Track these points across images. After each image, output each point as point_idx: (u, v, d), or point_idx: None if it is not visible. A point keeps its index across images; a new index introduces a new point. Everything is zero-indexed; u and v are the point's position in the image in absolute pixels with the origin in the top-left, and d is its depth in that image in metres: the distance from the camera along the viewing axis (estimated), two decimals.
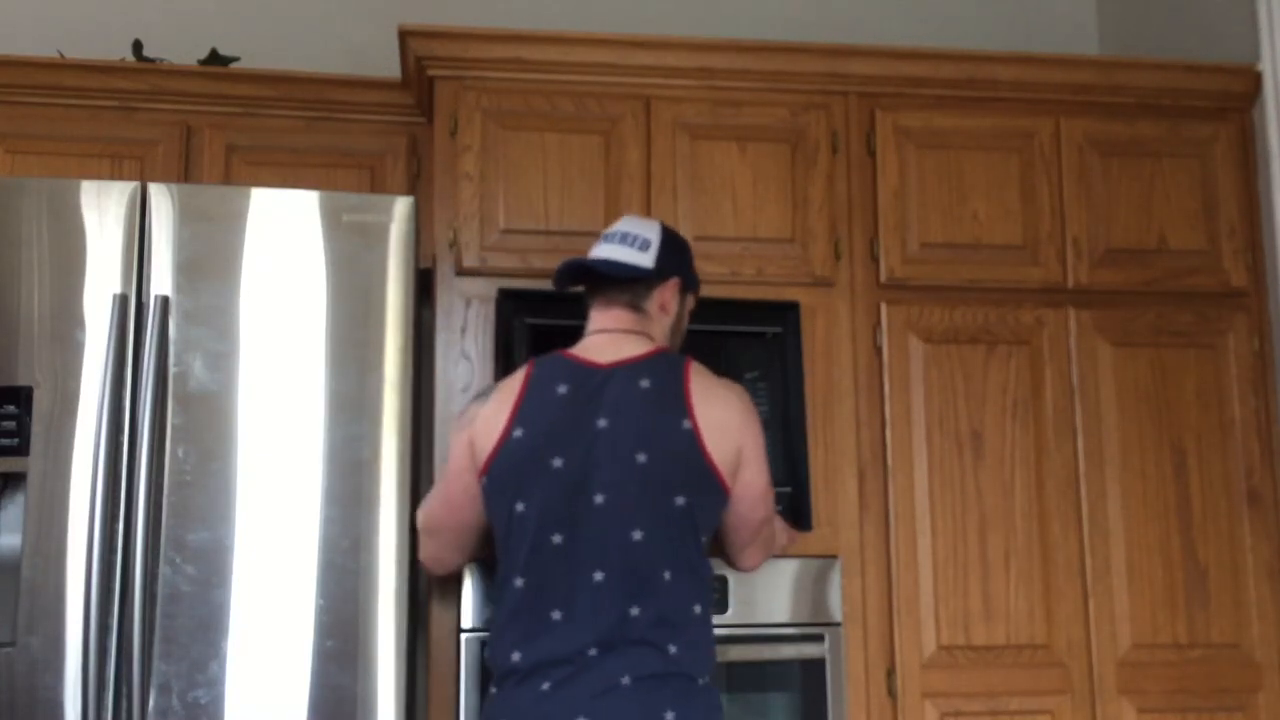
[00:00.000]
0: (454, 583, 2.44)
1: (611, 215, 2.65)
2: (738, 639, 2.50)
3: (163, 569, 2.21)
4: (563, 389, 2.04)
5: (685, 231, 2.67)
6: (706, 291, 2.65)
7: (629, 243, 2.15)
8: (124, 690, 2.16)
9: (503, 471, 2.03)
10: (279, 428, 2.28)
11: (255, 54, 3.13)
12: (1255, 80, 2.89)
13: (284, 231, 2.35)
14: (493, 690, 2.01)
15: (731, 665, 2.49)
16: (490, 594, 2.35)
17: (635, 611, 1.95)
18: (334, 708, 2.22)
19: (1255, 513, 2.76)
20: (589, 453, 1.99)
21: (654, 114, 2.72)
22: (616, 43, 2.72)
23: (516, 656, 1.95)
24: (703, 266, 2.66)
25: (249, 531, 2.24)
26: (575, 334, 2.21)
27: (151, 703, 2.17)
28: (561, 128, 2.69)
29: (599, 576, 1.95)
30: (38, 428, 2.22)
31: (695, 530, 2.03)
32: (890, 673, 2.59)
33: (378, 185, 2.91)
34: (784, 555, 2.57)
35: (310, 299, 2.34)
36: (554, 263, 2.60)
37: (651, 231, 2.18)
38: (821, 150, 2.75)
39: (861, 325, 2.71)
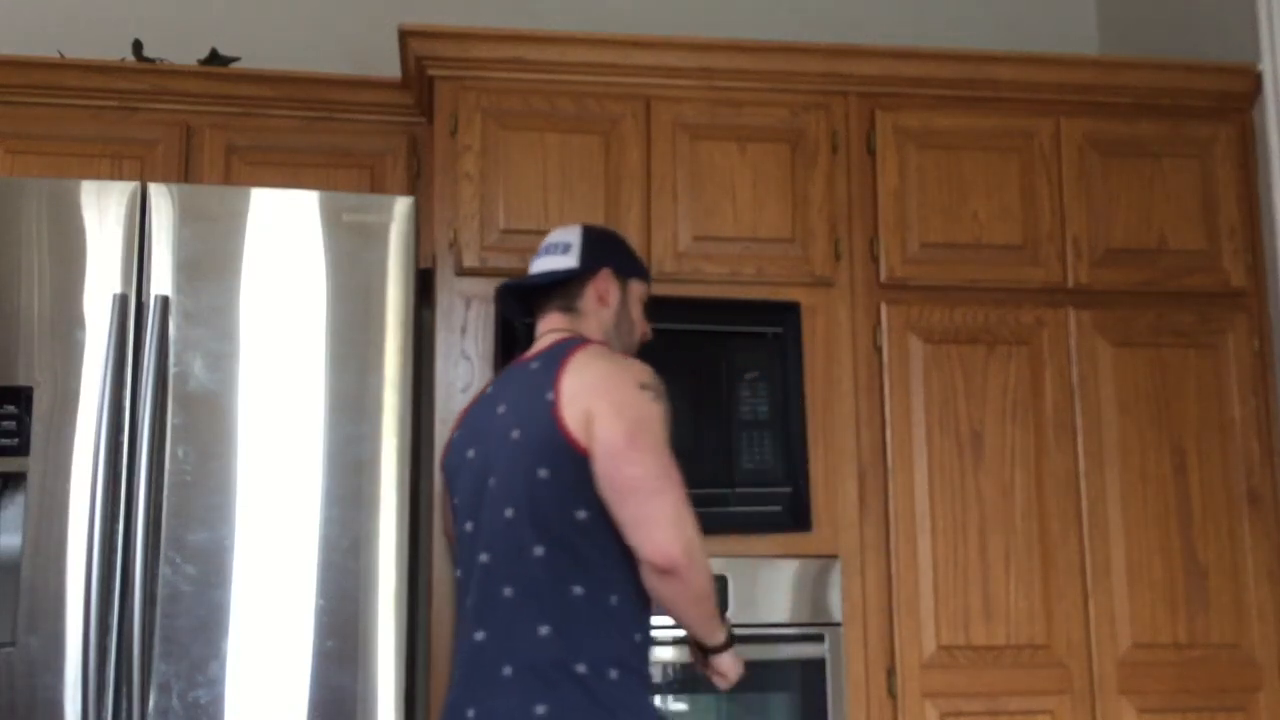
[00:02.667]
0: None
1: (611, 215, 2.66)
2: (737, 639, 2.49)
3: (163, 569, 2.21)
4: (491, 389, 2.16)
5: (685, 231, 2.68)
6: (707, 291, 2.66)
7: (553, 251, 2.20)
8: (124, 690, 2.16)
9: (448, 473, 2.18)
10: (279, 428, 2.28)
11: (255, 54, 3.13)
12: (1255, 80, 2.89)
13: (284, 231, 2.35)
14: None
15: None
16: None
17: (508, 592, 1.93)
18: (334, 708, 2.22)
19: (1255, 513, 2.76)
20: (490, 438, 2.05)
21: (654, 114, 2.72)
22: (616, 43, 2.72)
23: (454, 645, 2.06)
24: (702, 266, 2.67)
25: (249, 531, 2.24)
26: None
27: (151, 703, 2.17)
28: (561, 128, 2.69)
29: (484, 558, 1.99)
30: (38, 428, 2.22)
31: (563, 502, 1.93)
32: (890, 673, 2.59)
33: (378, 185, 2.91)
34: (784, 555, 2.57)
35: (310, 299, 2.34)
36: None
37: (572, 235, 2.22)
38: (821, 150, 2.75)
39: (861, 325, 2.71)
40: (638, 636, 1.96)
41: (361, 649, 2.24)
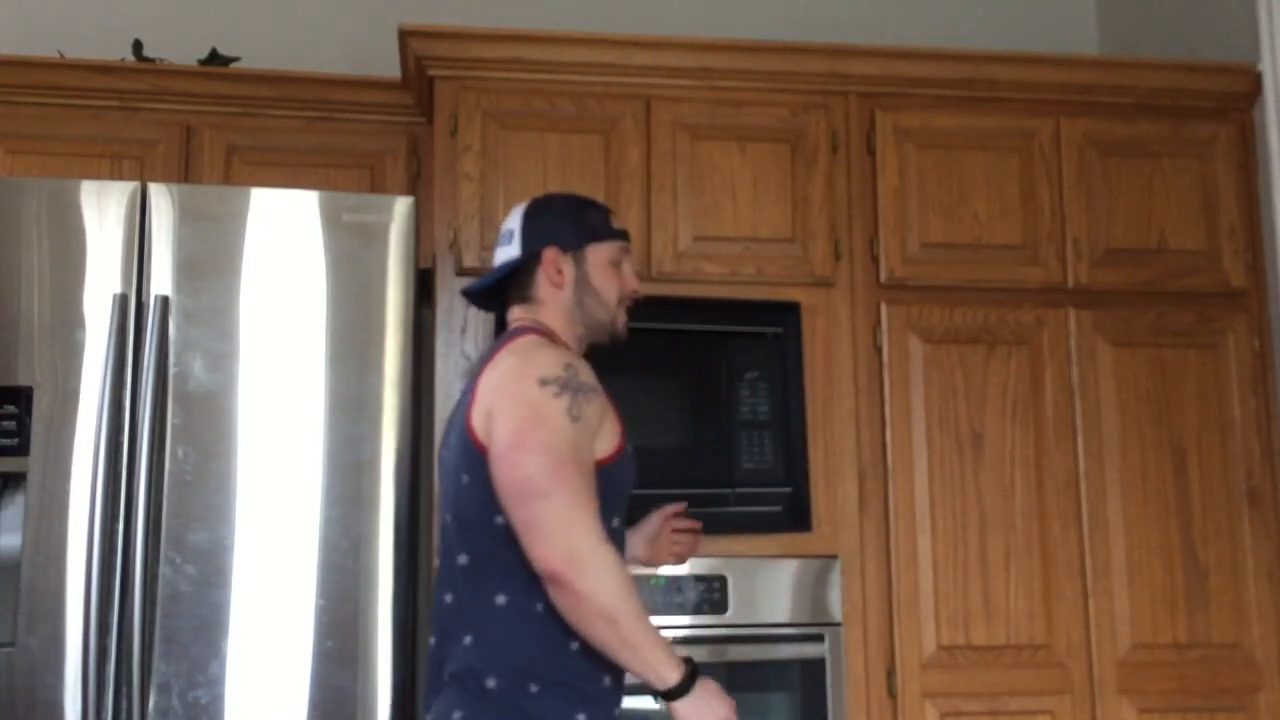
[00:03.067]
0: None
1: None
2: (737, 639, 2.50)
3: (163, 569, 2.21)
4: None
5: (685, 232, 2.68)
6: (707, 291, 2.66)
7: (503, 242, 2.06)
8: (124, 690, 2.16)
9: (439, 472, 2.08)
10: (279, 428, 2.28)
11: (255, 54, 3.13)
12: (1255, 80, 2.89)
13: (284, 231, 2.35)
14: None
15: (731, 665, 2.49)
16: None
17: (448, 599, 1.89)
18: (334, 708, 2.22)
19: (1255, 513, 2.75)
20: (448, 438, 2.00)
21: (654, 114, 2.72)
22: (616, 43, 2.72)
23: None
24: (702, 266, 2.67)
25: (249, 531, 2.24)
26: None
27: (151, 703, 2.17)
28: (561, 128, 2.69)
29: (436, 563, 1.97)
30: (38, 428, 2.22)
31: (483, 508, 1.84)
32: (890, 673, 2.59)
33: (378, 185, 2.91)
34: (784, 555, 2.57)
35: (310, 299, 2.34)
36: None
37: (514, 220, 2.06)
38: (821, 150, 2.75)
39: (861, 325, 2.71)
40: (575, 645, 1.80)
41: (361, 649, 2.25)
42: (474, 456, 1.85)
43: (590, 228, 2.06)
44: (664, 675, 1.76)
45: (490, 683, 1.79)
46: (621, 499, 1.95)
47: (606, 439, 1.89)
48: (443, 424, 2.49)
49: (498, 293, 2.08)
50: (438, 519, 1.98)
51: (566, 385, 1.83)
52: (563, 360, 1.87)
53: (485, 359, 1.95)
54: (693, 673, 1.77)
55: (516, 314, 2.04)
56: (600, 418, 1.88)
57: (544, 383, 1.83)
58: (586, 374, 1.89)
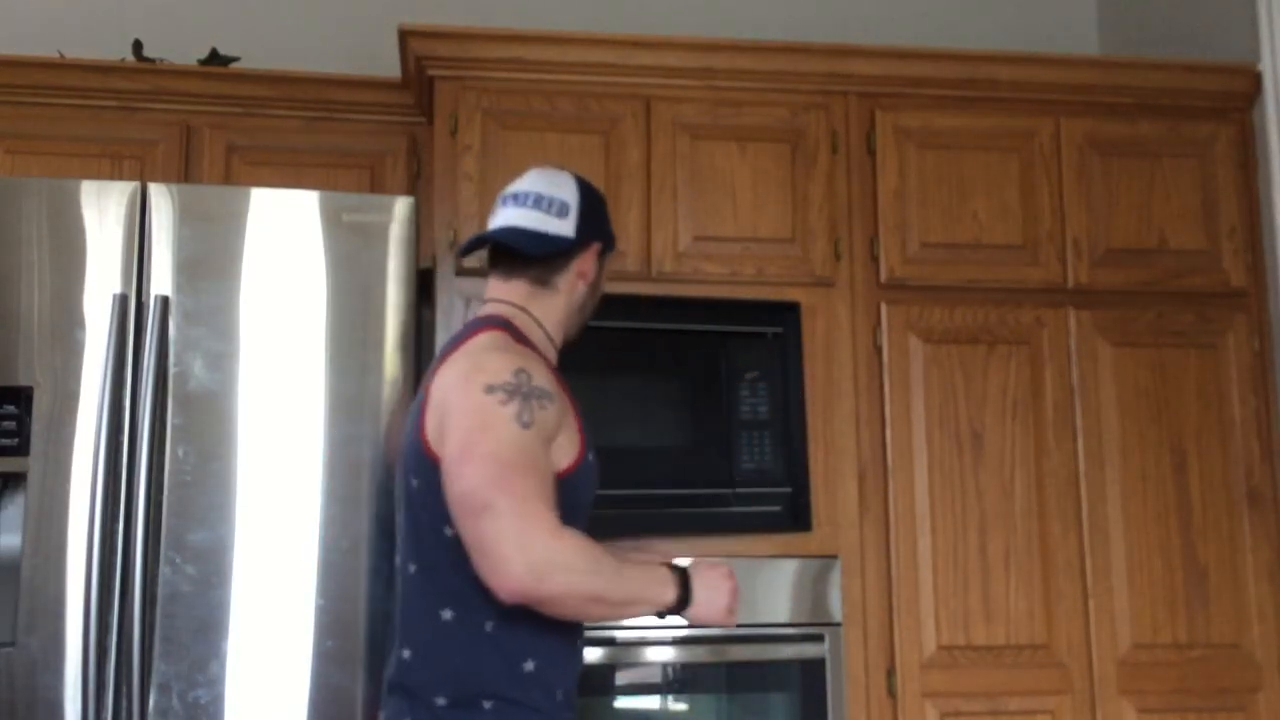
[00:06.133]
0: None
1: (612, 215, 2.64)
2: (737, 639, 2.50)
3: (163, 569, 2.21)
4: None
5: (685, 232, 2.68)
6: (706, 291, 2.66)
7: (544, 207, 1.89)
8: (124, 690, 2.16)
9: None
10: (279, 428, 2.28)
11: (255, 54, 3.13)
12: (1255, 80, 2.89)
13: (284, 231, 2.35)
14: None
15: (731, 665, 2.49)
16: None
17: (397, 612, 1.83)
18: (334, 708, 2.22)
19: (1255, 513, 2.75)
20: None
21: (654, 114, 2.72)
22: (616, 43, 2.72)
23: None
24: (702, 266, 2.67)
25: (249, 531, 2.24)
26: None
27: (151, 703, 2.17)
28: (561, 128, 2.69)
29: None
30: (38, 428, 2.22)
31: (433, 516, 1.76)
32: (890, 673, 2.59)
33: (378, 185, 2.91)
34: (784, 555, 2.57)
35: (310, 299, 2.34)
36: None
37: (568, 191, 1.92)
38: (821, 150, 2.75)
39: (861, 325, 2.71)
40: (529, 665, 1.74)
41: (361, 649, 2.24)
42: (425, 463, 1.76)
43: (612, 235, 2.02)
44: (664, 601, 1.74)
45: (440, 700, 1.73)
46: (583, 510, 1.85)
47: (565, 450, 1.80)
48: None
49: (502, 254, 1.93)
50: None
51: (515, 391, 1.73)
52: (513, 365, 1.76)
53: (445, 352, 1.85)
54: (684, 579, 1.76)
55: (518, 290, 1.91)
56: (557, 424, 1.77)
57: (490, 389, 1.72)
58: (541, 378, 1.78)
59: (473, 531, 1.67)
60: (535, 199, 1.90)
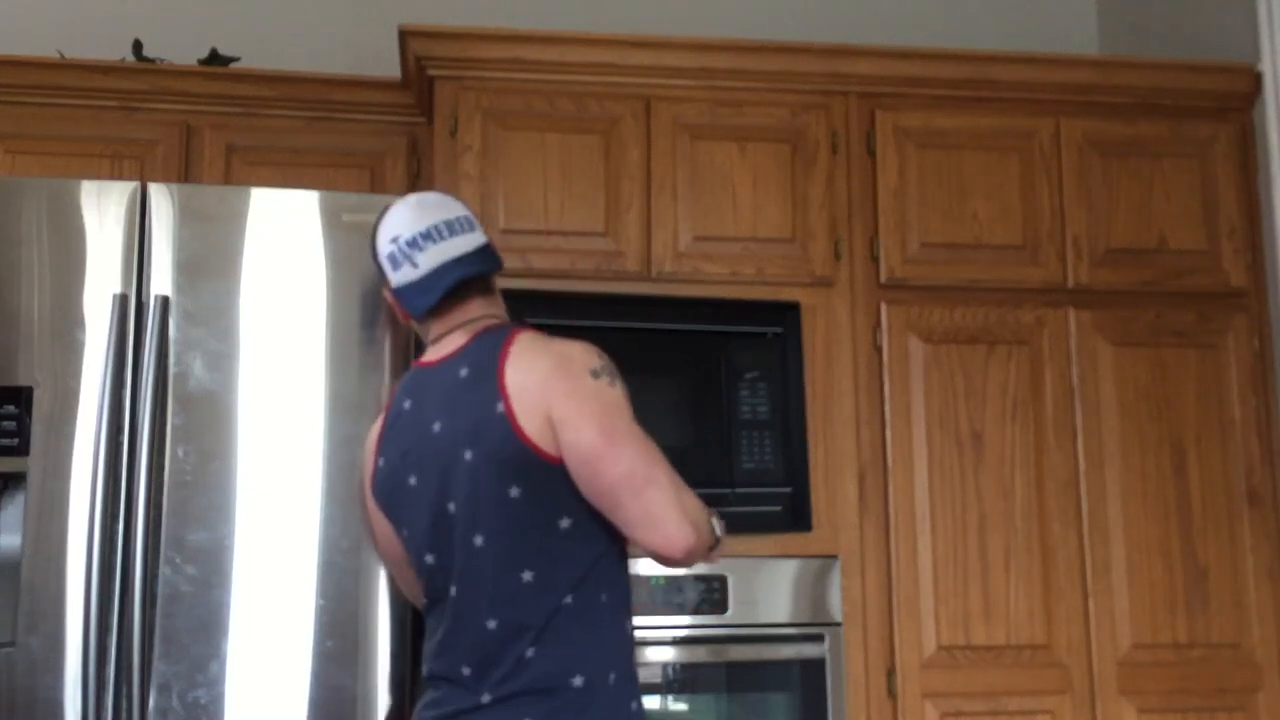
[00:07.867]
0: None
1: (611, 215, 2.66)
2: (737, 639, 2.50)
3: (163, 569, 2.21)
4: (408, 403, 1.94)
5: (685, 232, 2.68)
6: (706, 291, 2.66)
7: (457, 230, 1.93)
8: (124, 690, 2.16)
9: (382, 502, 1.98)
10: (279, 428, 2.28)
11: (255, 54, 3.13)
12: (1255, 80, 2.89)
13: (284, 231, 2.35)
14: None
15: (731, 665, 2.49)
16: None
17: (492, 625, 1.80)
18: (334, 708, 2.22)
19: (1255, 513, 2.75)
20: (435, 462, 1.86)
21: (654, 114, 2.72)
22: (616, 43, 2.72)
23: (424, 670, 1.91)
24: (702, 266, 2.67)
25: (249, 531, 2.24)
26: (575, 334, 2.19)
27: (151, 703, 2.17)
28: (561, 128, 2.69)
29: (453, 591, 1.83)
30: (38, 428, 2.22)
31: (546, 520, 1.80)
32: (890, 673, 2.59)
33: (378, 185, 2.91)
34: (784, 555, 2.57)
35: (310, 299, 2.34)
36: (554, 263, 2.62)
37: (458, 206, 1.97)
38: (821, 150, 2.75)
39: (861, 325, 2.71)
40: (629, 629, 1.87)
41: (361, 649, 2.25)
42: (535, 468, 1.78)
43: None
44: (716, 535, 1.88)
45: (577, 681, 1.77)
46: None
47: None
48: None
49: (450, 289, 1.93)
50: (446, 545, 1.84)
51: (612, 371, 1.85)
52: (591, 350, 1.86)
53: (461, 368, 1.86)
54: (718, 516, 1.91)
55: (477, 305, 1.95)
56: None
57: (595, 374, 1.82)
58: None
59: (636, 507, 1.76)
60: (443, 227, 1.93)
